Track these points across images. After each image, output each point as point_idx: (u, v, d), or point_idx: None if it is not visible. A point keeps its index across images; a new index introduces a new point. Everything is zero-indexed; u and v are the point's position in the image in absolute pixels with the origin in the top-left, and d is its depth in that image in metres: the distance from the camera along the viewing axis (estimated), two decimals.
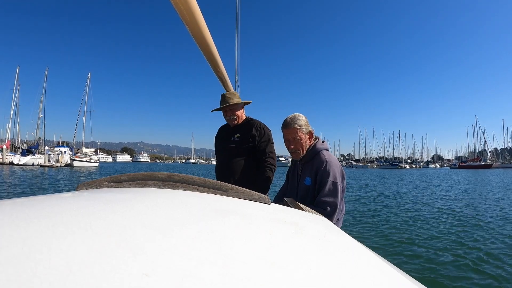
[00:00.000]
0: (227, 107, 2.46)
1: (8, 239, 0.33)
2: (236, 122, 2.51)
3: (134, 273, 0.30)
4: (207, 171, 41.05)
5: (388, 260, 0.65)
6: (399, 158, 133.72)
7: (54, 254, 0.31)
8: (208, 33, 1.65)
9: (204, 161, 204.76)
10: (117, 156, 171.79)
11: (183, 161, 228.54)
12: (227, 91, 2.70)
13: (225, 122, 2.63)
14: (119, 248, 0.34)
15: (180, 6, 1.30)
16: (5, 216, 0.41)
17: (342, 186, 1.84)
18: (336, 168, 1.83)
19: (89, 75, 57.01)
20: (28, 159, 43.00)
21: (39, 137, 55.14)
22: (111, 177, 0.84)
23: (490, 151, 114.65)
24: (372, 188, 17.23)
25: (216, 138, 2.71)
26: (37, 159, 43.69)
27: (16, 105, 56.84)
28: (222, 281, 0.32)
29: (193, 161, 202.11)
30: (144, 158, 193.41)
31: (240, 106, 2.54)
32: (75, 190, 0.80)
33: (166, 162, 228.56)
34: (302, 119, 1.93)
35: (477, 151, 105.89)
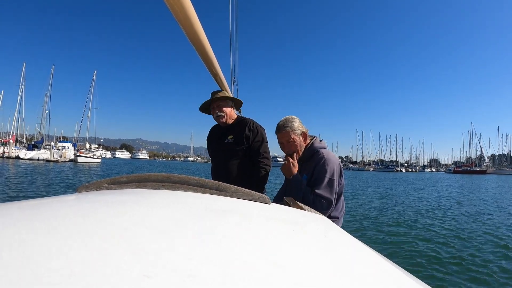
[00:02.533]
0: (214, 104, 2.41)
1: (10, 241, 0.33)
2: (224, 119, 2.42)
3: (135, 275, 0.30)
4: (207, 170, 42.11)
5: (389, 259, 0.65)
6: (395, 161, 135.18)
7: (55, 256, 0.31)
8: (202, 31, 1.65)
9: (203, 160, 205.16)
10: (116, 152, 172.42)
11: (182, 159, 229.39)
12: (222, 89, 2.68)
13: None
14: (120, 250, 0.34)
15: (174, 4, 1.31)
16: (6, 219, 0.42)
17: (340, 183, 1.87)
18: (333, 165, 1.84)
19: (94, 73, 58.67)
20: (34, 154, 44.16)
21: (39, 132, 56.46)
22: (110, 178, 0.85)
23: (488, 157, 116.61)
24: (356, 187, 18.90)
25: (208, 139, 2.65)
26: (43, 154, 44.86)
27: (22, 101, 58.07)
28: (222, 281, 0.32)
29: (192, 159, 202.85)
30: (143, 155, 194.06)
31: (230, 104, 2.46)
32: (75, 192, 0.81)
33: (165, 159, 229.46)
34: (294, 121, 1.94)
35: (474, 157, 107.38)
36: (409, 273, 0.57)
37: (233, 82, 3.81)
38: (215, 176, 2.45)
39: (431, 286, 0.56)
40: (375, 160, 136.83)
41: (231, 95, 2.60)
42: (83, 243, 0.35)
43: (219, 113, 2.39)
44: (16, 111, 57.20)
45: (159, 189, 0.79)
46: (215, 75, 2.36)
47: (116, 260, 0.32)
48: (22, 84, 57.92)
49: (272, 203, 0.86)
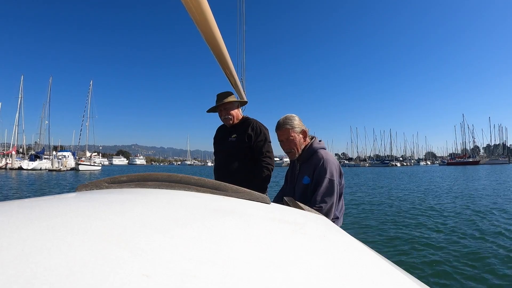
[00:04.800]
0: (221, 106, 2.46)
1: (8, 240, 0.33)
2: (231, 121, 2.48)
3: (134, 274, 0.30)
4: (204, 172, 43.09)
5: (389, 259, 0.66)
6: (390, 156, 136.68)
7: (54, 255, 0.31)
8: (218, 31, 1.68)
9: (199, 163, 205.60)
10: (114, 159, 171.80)
11: (179, 163, 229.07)
12: (235, 89, 2.70)
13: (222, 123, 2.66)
14: (119, 249, 0.34)
15: (191, 5, 1.33)
16: (5, 217, 0.42)
17: (340, 183, 1.86)
18: (333, 166, 1.83)
19: (91, 83, 59.58)
20: (36, 164, 44.91)
21: (35, 142, 57.35)
22: (110, 178, 0.85)
23: (483, 148, 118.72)
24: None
25: (214, 139, 2.69)
26: (45, 163, 45.65)
27: (21, 113, 58.83)
28: (222, 281, 0.32)
29: (189, 162, 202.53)
30: (140, 160, 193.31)
31: (235, 105, 2.51)
32: (74, 191, 0.80)
33: (162, 164, 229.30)
34: (294, 119, 1.94)
35: (469, 148, 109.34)
36: (408, 274, 0.58)
37: (241, 81, 3.85)
38: (217, 175, 2.49)
39: (429, 287, 0.58)
40: (371, 156, 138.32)
41: (243, 94, 2.69)
42: (82, 241, 0.35)
43: (226, 116, 2.48)
44: (16, 123, 58.00)
45: (159, 188, 0.79)
46: (229, 75, 2.40)
47: (115, 259, 0.32)
48: (20, 96, 58.74)
49: (272, 203, 0.87)
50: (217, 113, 2.57)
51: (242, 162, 2.41)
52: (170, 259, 0.34)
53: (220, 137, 2.60)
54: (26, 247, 0.32)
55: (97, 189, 0.81)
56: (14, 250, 0.31)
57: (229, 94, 2.53)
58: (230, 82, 2.53)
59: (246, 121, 2.52)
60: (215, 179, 1.78)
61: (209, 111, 2.63)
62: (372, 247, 0.74)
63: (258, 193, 0.85)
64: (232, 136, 2.46)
